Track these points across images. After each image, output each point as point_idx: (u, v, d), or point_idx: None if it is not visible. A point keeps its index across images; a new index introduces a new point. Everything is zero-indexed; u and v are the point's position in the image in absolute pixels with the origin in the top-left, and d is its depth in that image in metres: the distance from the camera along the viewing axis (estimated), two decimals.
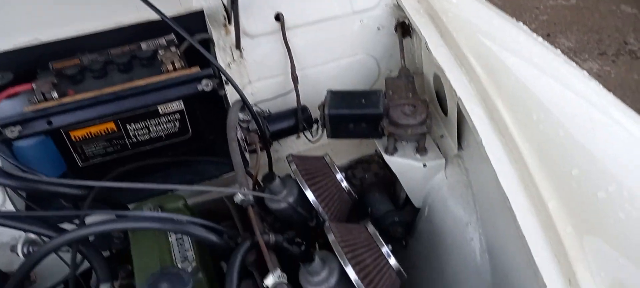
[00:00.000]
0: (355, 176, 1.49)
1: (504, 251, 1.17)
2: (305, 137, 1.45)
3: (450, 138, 1.32)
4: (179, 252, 1.11)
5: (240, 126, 1.37)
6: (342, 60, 1.58)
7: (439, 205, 1.32)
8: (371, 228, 1.11)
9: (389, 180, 1.50)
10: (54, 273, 1.27)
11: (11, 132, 1.15)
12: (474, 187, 1.27)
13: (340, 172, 1.26)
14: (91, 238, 1.22)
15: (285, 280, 1.00)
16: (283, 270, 1.01)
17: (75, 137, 1.21)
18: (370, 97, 1.30)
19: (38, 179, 1.08)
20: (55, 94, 1.18)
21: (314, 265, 1.00)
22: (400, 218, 1.40)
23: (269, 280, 0.99)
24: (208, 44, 1.47)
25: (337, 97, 1.31)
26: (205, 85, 1.25)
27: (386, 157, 1.33)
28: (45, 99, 1.18)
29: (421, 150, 1.31)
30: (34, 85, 1.20)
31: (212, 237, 1.09)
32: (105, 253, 1.14)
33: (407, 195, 1.45)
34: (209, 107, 1.37)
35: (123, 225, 1.03)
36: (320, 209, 1.19)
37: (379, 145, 1.35)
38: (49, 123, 1.15)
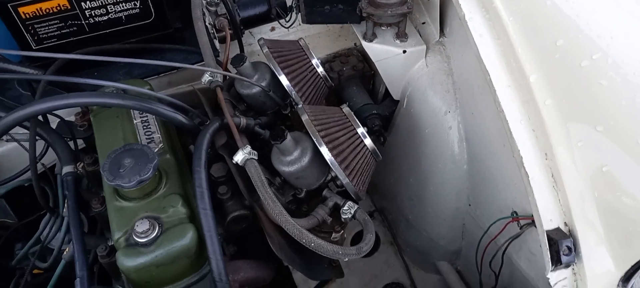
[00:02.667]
0: (333, 69, 1.43)
1: (482, 136, 1.15)
2: (280, 24, 1.37)
3: (432, 24, 1.25)
4: (145, 135, 1.06)
5: (208, 10, 1.27)
6: None
7: (418, 95, 1.28)
8: (346, 109, 1.07)
9: (368, 74, 1.44)
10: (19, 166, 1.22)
11: None
12: (455, 74, 1.22)
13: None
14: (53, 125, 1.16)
15: (255, 157, 0.96)
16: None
17: (24, 14, 1.10)
18: None
19: None
20: None
21: (286, 143, 0.96)
22: (378, 111, 1.36)
23: (238, 155, 0.95)
24: None
25: None
26: None
27: (364, 44, 1.26)
28: None
29: (401, 35, 1.25)
30: None
31: (180, 117, 1.03)
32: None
33: (386, 90, 1.40)
34: None
35: (81, 100, 0.96)
36: (294, 94, 1.13)
37: (357, 31, 1.28)
38: None
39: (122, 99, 0.97)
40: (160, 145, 1.04)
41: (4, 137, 1.17)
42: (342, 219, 1.00)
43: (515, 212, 1.03)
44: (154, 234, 0.89)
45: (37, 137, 1.09)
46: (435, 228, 1.37)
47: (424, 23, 1.29)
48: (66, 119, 1.19)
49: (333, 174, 1.03)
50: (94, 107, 1.13)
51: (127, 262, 0.88)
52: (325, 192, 1.04)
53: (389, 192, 1.57)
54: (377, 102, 1.47)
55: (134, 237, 0.89)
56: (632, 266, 0.83)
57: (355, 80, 1.43)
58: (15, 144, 1.21)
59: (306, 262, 1.10)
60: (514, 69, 0.96)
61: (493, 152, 1.10)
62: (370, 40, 1.26)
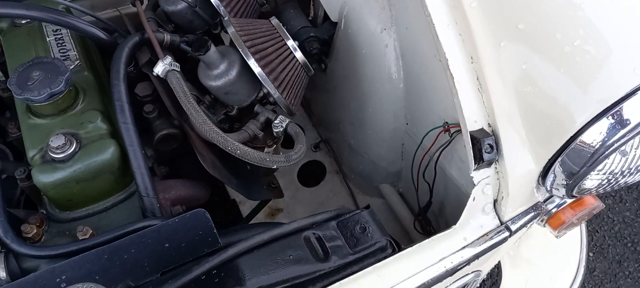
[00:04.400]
0: None
1: (416, 51, 1.14)
2: None
3: None
4: (59, 52, 0.99)
5: None
6: None
7: (355, 14, 1.25)
8: (275, 21, 1.03)
9: None
10: None
11: None
12: None
13: None
14: None
15: (177, 68, 0.92)
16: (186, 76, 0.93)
17: None
18: None
19: None
20: None
21: (210, 54, 0.92)
22: (316, 34, 1.33)
23: (158, 67, 0.91)
24: None
25: None
26: None
27: None
28: None
29: None
30: None
31: (96, 31, 0.97)
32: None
33: (325, 14, 1.37)
34: None
35: None
36: (222, 9, 1.08)
37: None
38: None
39: (29, 9, 0.90)
40: (77, 63, 0.98)
41: None
42: (274, 133, 0.99)
43: (446, 122, 1.05)
44: (71, 149, 0.85)
45: None
46: (375, 149, 1.39)
47: None
48: None
49: (265, 91, 1.01)
50: (3, 26, 1.05)
51: (43, 178, 0.84)
52: (256, 108, 1.02)
53: (333, 120, 1.57)
54: (317, 27, 1.43)
55: (50, 153, 0.85)
56: (548, 161, 0.86)
57: (292, 3, 1.38)
58: None
59: (243, 181, 1.08)
60: None
61: (426, 64, 1.10)
62: None
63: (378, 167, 1.44)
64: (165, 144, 1.02)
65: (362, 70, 1.30)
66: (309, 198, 1.61)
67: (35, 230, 0.85)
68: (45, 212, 0.93)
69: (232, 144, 0.85)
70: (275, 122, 0.97)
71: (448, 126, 1.03)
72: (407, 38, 1.17)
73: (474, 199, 0.88)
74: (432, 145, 1.10)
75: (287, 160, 0.90)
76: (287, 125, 0.98)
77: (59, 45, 0.99)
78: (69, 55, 0.98)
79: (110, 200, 0.92)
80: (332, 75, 1.45)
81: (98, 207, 0.91)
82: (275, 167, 0.90)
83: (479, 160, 0.87)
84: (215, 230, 0.80)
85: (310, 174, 1.68)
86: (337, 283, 0.76)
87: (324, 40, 1.38)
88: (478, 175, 0.89)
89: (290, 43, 1.02)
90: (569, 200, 1.03)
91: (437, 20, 0.92)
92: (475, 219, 0.88)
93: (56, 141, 0.84)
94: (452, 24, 0.93)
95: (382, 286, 0.79)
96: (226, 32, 1.02)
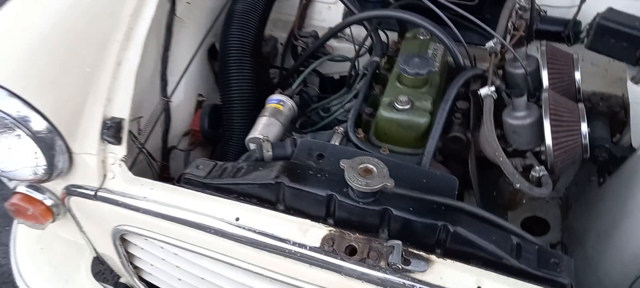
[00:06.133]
0: (590, 101, 1.61)
1: None
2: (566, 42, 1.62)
3: None
4: (431, 54, 1.55)
5: (518, 3, 1.62)
6: None
7: None
8: (581, 105, 1.30)
9: (620, 119, 1.57)
10: None
11: None
12: None
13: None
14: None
15: (494, 96, 1.32)
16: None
17: None
18: None
19: None
20: None
21: (520, 101, 1.28)
22: (610, 147, 1.46)
23: (484, 89, 1.33)
24: None
25: (614, 13, 1.43)
26: None
27: (630, 85, 1.40)
28: None
29: None
30: None
31: (460, 57, 1.48)
32: None
33: (629, 138, 1.50)
34: None
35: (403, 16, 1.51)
36: (546, 84, 1.40)
37: (628, 71, 1.43)
38: None
39: (433, 26, 1.47)
40: (437, 67, 1.50)
41: None
42: (529, 176, 1.26)
43: None
44: (407, 107, 1.38)
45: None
46: (608, 266, 1.42)
47: None
48: None
49: (542, 148, 1.29)
50: (409, 35, 1.68)
51: (384, 112, 1.39)
52: (527, 154, 1.32)
53: (581, 229, 1.65)
54: (615, 144, 1.56)
55: (395, 104, 1.39)
56: None
57: (604, 118, 1.56)
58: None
59: (485, 201, 1.40)
60: None
61: None
62: (637, 83, 1.41)
63: (599, 284, 1.46)
64: (452, 142, 1.44)
65: (632, 201, 1.39)
66: None
67: (362, 135, 1.42)
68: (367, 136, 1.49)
69: (500, 151, 1.19)
70: (536, 168, 1.24)
71: None
72: None
73: None
74: None
75: (530, 189, 1.17)
76: (542, 176, 1.23)
77: (433, 56, 1.55)
78: (434, 64, 1.52)
79: (406, 150, 1.40)
80: (605, 189, 1.56)
81: (395, 149, 1.41)
82: (518, 186, 1.17)
83: None
84: (455, 192, 1.16)
85: None
86: (511, 279, 1.01)
87: (615, 157, 1.51)
88: None
89: (584, 126, 1.26)
90: None
91: None
92: None
93: (403, 98, 1.38)
94: None
95: None
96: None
